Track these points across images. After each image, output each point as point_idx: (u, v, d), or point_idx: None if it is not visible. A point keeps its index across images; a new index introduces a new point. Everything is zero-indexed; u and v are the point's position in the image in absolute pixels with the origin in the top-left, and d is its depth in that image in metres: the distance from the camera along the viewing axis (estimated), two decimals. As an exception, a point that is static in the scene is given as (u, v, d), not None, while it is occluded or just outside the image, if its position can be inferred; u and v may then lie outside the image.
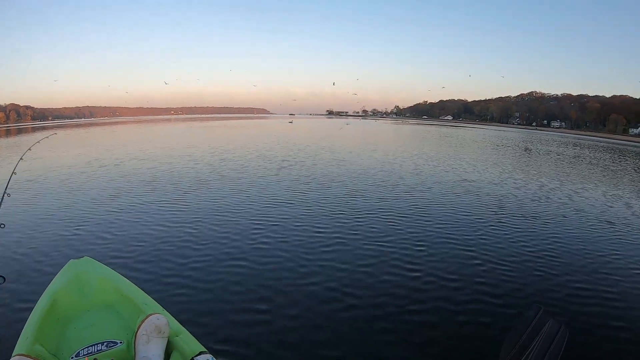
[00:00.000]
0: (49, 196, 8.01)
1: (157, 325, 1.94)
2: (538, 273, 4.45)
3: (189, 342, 2.02)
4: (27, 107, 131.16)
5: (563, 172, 13.83)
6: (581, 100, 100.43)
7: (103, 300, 2.10)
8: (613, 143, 44.78)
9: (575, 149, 28.51)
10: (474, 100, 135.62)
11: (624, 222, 6.97)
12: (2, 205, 3.16)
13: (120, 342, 2.01)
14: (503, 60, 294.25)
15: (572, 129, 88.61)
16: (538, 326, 2.04)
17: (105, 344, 1.97)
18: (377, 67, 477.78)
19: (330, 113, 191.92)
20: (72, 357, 1.92)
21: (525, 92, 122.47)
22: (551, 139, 43.09)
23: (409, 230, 5.88)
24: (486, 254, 4.92)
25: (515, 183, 10.45)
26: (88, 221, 6.13)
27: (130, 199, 7.67)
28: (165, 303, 2.58)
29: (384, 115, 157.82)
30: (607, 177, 13.30)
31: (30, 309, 2.30)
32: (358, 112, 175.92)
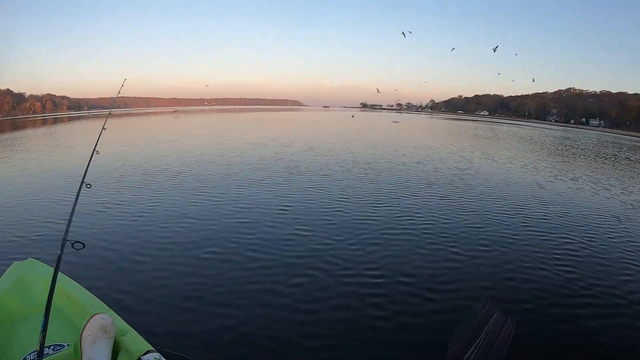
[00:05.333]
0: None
1: (102, 325, 1.93)
2: (488, 267, 4.64)
3: (135, 340, 2.00)
4: (63, 97, 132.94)
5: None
6: (620, 99, 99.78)
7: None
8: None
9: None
10: (510, 96, 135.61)
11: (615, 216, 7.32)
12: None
13: (67, 345, 1.99)
14: (539, 54, 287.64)
15: (611, 127, 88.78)
16: (486, 318, 2.09)
17: (51, 347, 1.94)
18: (413, 59, 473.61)
19: (364, 106, 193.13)
20: None
21: (562, 89, 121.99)
22: (605, 140, 40.96)
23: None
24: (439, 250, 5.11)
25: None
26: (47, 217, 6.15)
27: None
28: (114, 302, 2.59)
29: (419, 110, 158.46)
30: None
31: None
32: (392, 105, 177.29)
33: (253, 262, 4.57)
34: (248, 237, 5.38)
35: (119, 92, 4.81)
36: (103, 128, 3.94)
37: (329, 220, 6.24)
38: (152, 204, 6.99)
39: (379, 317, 3.48)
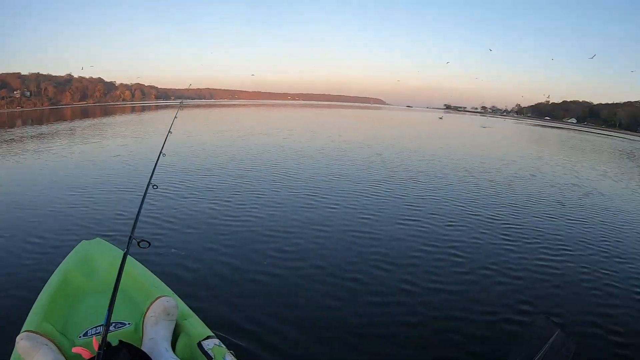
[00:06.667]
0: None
1: (165, 307, 2.01)
2: (551, 284, 4.55)
3: (196, 325, 2.09)
4: (151, 87, 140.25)
5: None
6: None
7: (113, 281, 1.84)
8: None
9: None
10: (600, 104, 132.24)
11: None
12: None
13: (129, 324, 2.08)
14: (632, 59, 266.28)
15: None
16: (545, 336, 2.05)
17: (113, 324, 2.02)
18: (499, 61, 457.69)
19: (447, 107, 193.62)
20: (80, 337, 1.99)
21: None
22: None
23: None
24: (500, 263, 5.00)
25: None
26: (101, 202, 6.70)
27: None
28: (177, 287, 2.66)
29: (504, 114, 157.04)
30: None
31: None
32: (476, 108, 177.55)
33: (322, 263, 4.68)
34: (319, 240, 5.45)
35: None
36: (169, 132, 4.20)
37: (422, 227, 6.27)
38: (220, 199, 7.29)
39: (429, 333, 3.44)
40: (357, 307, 3.77)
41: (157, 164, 2.99)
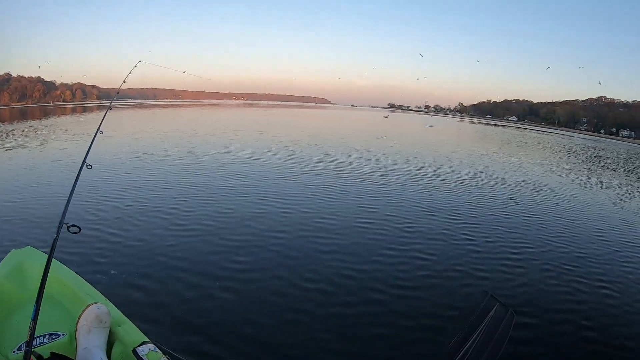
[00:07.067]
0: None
1: (97, 314, 1.93)
2: (489, 261, 4.84)
3: (131, 332, 2.01)
4: (93, 87, 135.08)
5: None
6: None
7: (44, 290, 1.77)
8: None
9: None
10: (540, 102, 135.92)
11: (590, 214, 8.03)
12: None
13: (63, 334, 1.97)
14: (571, 62, 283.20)
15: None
16: (485, 310, 2.08)
17: (47, 336, 1.93)
18: (442, 62, 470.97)
19: (392, 106, 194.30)
20: (14, 351, 1.87)
21: (594, 97, 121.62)
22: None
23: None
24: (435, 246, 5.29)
25: None
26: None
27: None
28: (111, 294, 2.50)
29: (447, 113, 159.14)
30: None
31: None
32: (420, 107, 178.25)
33: (257, 255, 4.61)
34: (256, 228, 5.47)
35: (123, 81, 4.81)
36: (109, 107, 4.06)
37: (318, 208, 6.77)
38: (155, 189, 7.27)
39: (375, 312, 3.54)
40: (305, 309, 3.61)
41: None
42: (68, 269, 2.53)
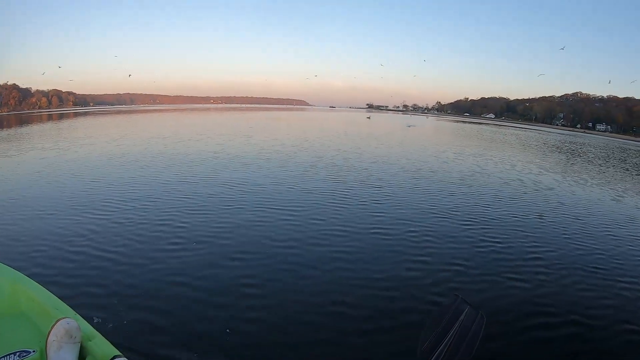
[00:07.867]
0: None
1: (67, 329, 1.89)
2: (459, 264, 4.67)
3: (102, 346, 1.96)
4: (69, 93, 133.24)
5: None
6: (628, 104, 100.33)
7: (13, 306, 1.80)
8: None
9: None
10: (517, 99, 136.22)
11: (554, 215, 7.50)
12: None
13: (33, 351, 1.92)
14: (545, 57, 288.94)
15: (617, 133, 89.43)
16: (456, 313, 2.10)
17: (17, 353, 1.88)
18: (418, 60, 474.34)
19: (370, 107, 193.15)
20: None
21: (569, 93, 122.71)
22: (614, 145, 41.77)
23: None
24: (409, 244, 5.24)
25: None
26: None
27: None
28: (81, 306, 2.51)
29: (425, 111, 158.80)
30: None
31: None
32: (398, 107, 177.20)
33: (230, 260, 4.49)
34: (224, 232, 5.37)
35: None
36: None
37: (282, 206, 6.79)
38: (122, 198, 7.07)
39: (347, 317, 3.47)
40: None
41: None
42: (35, 282, 2.47)
